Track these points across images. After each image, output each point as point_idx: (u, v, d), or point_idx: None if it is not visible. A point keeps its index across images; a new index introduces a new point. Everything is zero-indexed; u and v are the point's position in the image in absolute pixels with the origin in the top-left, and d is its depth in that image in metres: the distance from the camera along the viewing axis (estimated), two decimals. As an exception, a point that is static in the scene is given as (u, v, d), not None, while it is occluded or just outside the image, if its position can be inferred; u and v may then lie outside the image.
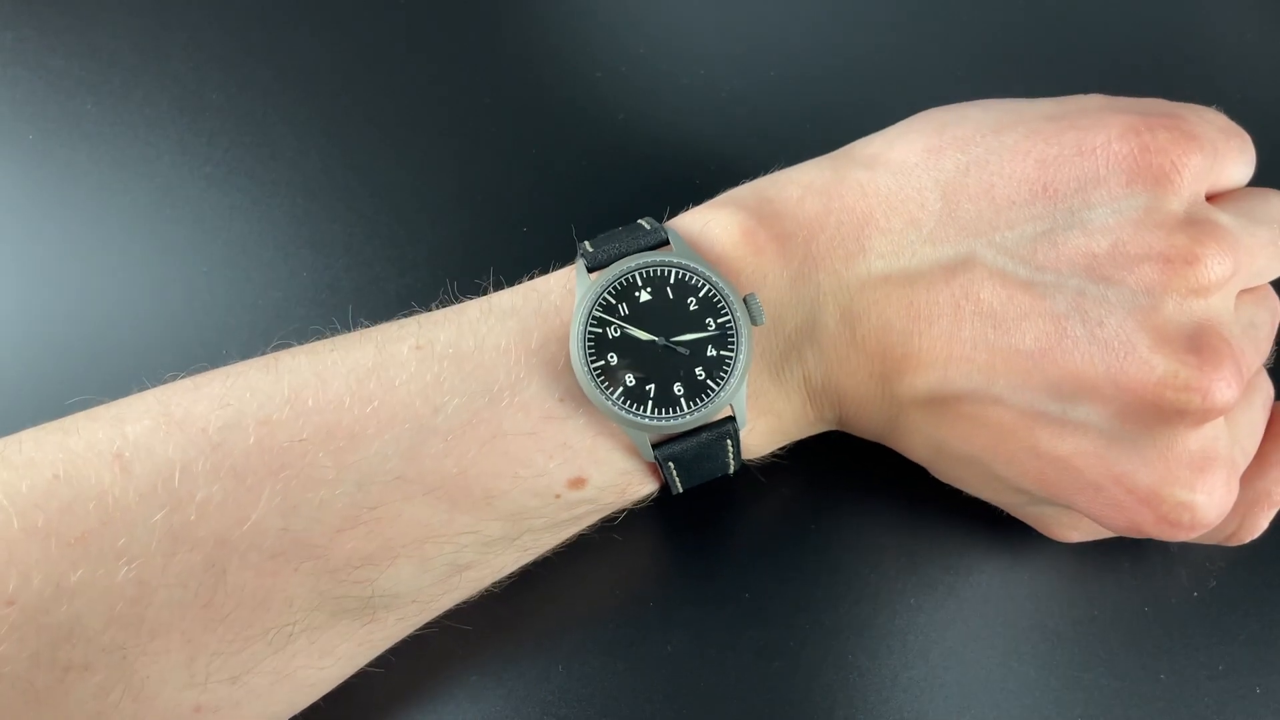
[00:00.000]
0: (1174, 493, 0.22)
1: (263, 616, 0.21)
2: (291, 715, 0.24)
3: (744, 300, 0.23)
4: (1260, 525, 0.26)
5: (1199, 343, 0.22)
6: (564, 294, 0.24)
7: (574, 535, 0.26)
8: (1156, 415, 0.22)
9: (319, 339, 0.24)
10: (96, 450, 0.21)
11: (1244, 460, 0.24)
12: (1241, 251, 0.23)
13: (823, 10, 0.37)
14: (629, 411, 0.22)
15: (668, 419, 0.22)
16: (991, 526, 0.29)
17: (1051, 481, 0.23)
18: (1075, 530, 0.27)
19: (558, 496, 0.23)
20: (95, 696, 0.19)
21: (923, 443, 0.25)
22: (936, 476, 0.27)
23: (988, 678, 0.28)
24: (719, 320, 0.23)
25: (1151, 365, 0.21)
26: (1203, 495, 0.22)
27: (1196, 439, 0.22)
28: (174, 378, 0.23)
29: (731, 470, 0.25)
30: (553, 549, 0.26)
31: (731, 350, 0.23)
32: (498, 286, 0.32)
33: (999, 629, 0.28)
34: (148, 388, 0.23)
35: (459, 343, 0.22)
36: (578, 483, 0.23)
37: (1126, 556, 0.29)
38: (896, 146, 0.25)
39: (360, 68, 0.36)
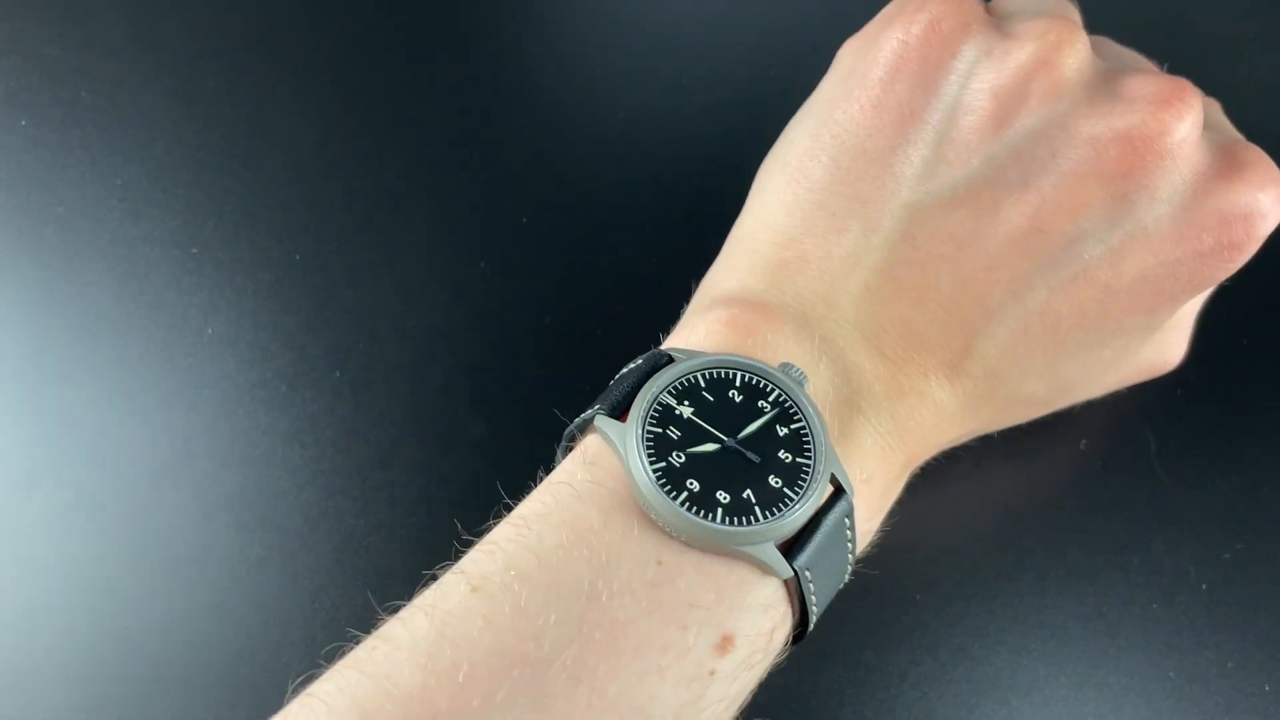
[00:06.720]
0: (1237, 186, 0.23)
1: None
2: None
3: (782, 370, 0.21)
4: None
5: (1117, 82, 0.23)
6: (588, 469, 0.21)
7: None
8: (1157, 153, 0.22)
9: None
10: None
11: None
12: (1062, 15, 0.24)
13: (824, 10, 0.38)
14: (742, 526, 0.19)
15: (781, 515, 0.20)
16: (999, 523, 0.29)
17: (1149, 295, 0.24)
18: (1176, 330, 0.27)
19: (712, 673, 0.19)
20: None
21: (1028, 387, 0.25)
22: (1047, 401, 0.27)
23: (996, 675, 0.27)
24: (770, 398, 0.21)
25: (1110, 121, 0.23)
26: (1261, 181, 0.23)
27: (1203, 155, 0.23)
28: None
29: (850, 568, 0.22)
30: None
31: (800, 420, 0.21)
32: (497, 274, 0.32)
33: (1007, 625, 0.28)
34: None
35: (518, 564, 0.19)
36: (726, 643, 0.19)
37: (1135, 552, 0.29)
38: (753, 206, 0.26)
39: (357, 57, 0.36)
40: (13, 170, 0.34)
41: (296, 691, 0.19)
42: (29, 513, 0.28)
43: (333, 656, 0.19)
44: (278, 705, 0.21)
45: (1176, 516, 0.29)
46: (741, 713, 0.21)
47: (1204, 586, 0.28)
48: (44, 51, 0.36)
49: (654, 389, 0.21)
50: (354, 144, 0.35)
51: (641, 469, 0.19)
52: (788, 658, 0.26)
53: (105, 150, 0.34)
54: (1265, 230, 0.24)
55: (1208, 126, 0.24)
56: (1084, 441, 0.30)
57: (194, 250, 0.32)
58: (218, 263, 0.32)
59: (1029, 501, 0.29)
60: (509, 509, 0.21)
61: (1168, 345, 0.27)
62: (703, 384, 0.21)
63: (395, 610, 0.20)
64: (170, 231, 0.33)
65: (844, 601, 0.27)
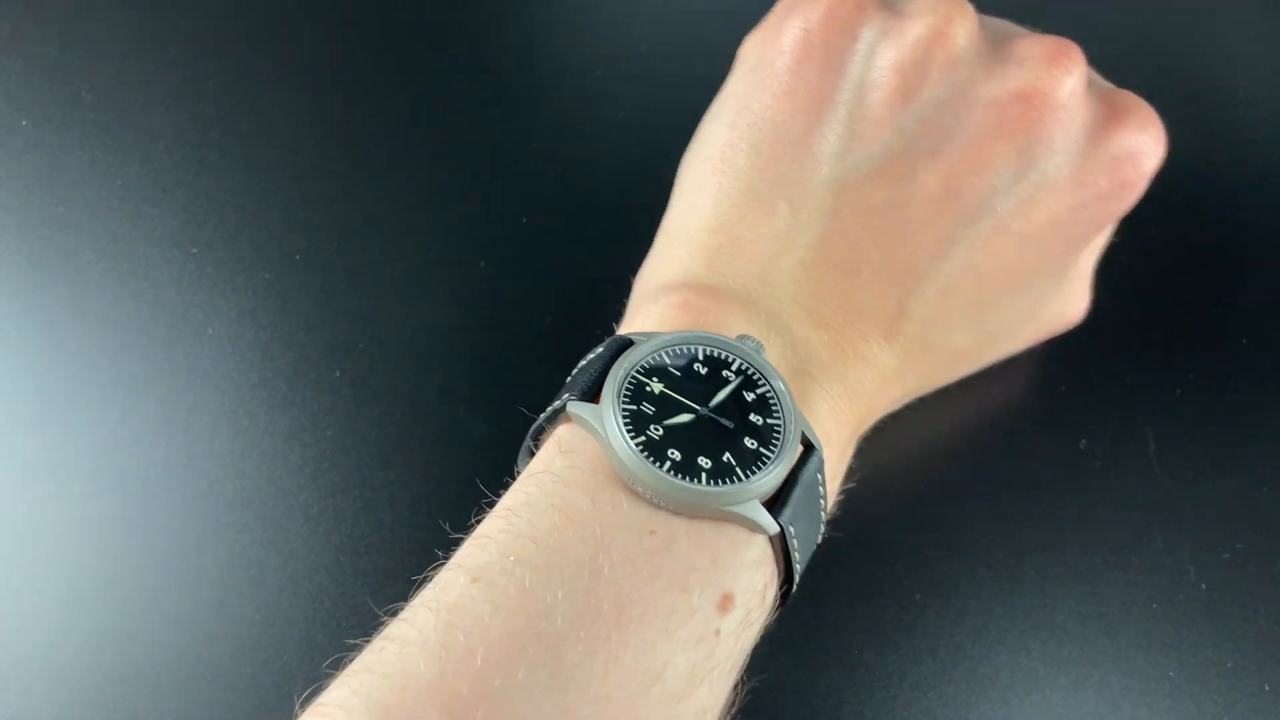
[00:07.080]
0: (1121, 131, 0.25)
1: None
2: None
3: (741, 341, 0.22)
4: None
5: (1007, 48, 0.25)
6: (566, 456, 0.21)
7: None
8: (1051, 107, 0.24)
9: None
10: None
11: None
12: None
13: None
14: (728, 486, 0.20)
15: (762, 473, 0.20)
16: (998, 523, 0.29)
17: (1059, 240, 0.25)
18: (1080, 281, 0.29)
19: (718, 632, 0.20)
20: None
21: (958, 340, 0.26)
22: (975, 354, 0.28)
23: (995, 675, 0.27)
24: (733, 368, 0.22)
25: (1006, 83, 0.24)
26: (1142, 123, 0.25)
27: (1090, 106, 0.25)
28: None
29: (824, 521, 0.23)
30: None
31: (764, 385, 0.21)
32: (497, 274, 0.32)
33: (1006, 626, 0.28)
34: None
35: (515, 551, 0.19)
36: (727, 601, 0.20)
37: (1135, 552, 0.29)
38: (679, 201, 0.26)
39: (358, 57, 0.36)
40: (13, 170, 0.33)
41: (305, 704, 0.19)
42: (29, 512, 0.28)
43: (337, 666, 0.19)
44: (277, 705, 0.21)
45: (1176, 516, 0.29)
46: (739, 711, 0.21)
47: (1204, 586, 0.28)
48: (44, 51, 0.36)
49: (623, 369, 0.21)
50: (354, 144, 0.35)
51: (624, 443, 0.20)
52: (788, 656, 0.26)
53: (105, 150, 0.34)
54: (1151, 167, 0.26)
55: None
56: (1084, 441, 0.30)
57: (194, 250, 0.32)
58: (218, 263, 0.32)
59: (1029, 501, 0.29)
60: (490, 507, 0.21)
61: (1073, 297, 0.29)
62: (668, 360, 0.22)
63: (395, 613, 0.19)
64: (170, 231, 0.33)
65: (844, 601, 0.28)
